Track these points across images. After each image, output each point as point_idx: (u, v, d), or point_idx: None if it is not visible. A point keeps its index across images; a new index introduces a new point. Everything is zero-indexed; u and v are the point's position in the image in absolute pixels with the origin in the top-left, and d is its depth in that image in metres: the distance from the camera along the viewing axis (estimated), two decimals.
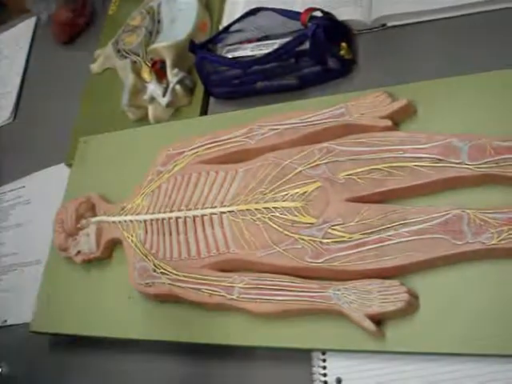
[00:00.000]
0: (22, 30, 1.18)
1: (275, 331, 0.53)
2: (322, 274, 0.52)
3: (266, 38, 0.73)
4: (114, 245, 0.68)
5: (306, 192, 0.56)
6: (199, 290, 0.57)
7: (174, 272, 0.59)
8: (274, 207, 0.57)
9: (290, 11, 0.69)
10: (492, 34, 0.62)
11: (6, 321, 0.80)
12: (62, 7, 1.02)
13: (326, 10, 0.67)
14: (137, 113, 0.82)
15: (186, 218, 0.62)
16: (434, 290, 0.48)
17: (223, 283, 0.56)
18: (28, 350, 0.75)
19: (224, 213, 0.59)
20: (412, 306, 0.47)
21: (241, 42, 0.75)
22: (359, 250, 0.50)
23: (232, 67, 0.73)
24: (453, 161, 0.50)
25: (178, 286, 0.58)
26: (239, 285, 0.55)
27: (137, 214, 0.66)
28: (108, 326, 0.64)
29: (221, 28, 0.79)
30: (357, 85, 0.66)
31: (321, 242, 0.52)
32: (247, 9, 0.74)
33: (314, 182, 0.56)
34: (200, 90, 0.79)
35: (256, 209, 0.58)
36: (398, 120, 0.56)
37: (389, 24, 0.69)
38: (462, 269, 0.48)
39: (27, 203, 0.91)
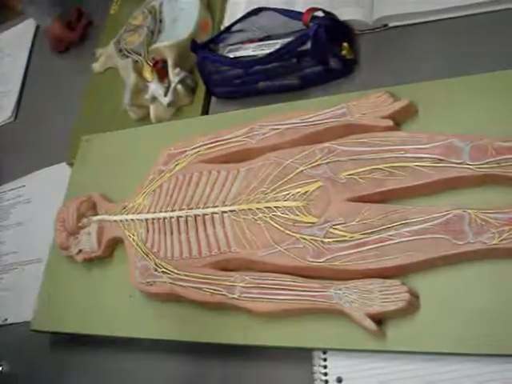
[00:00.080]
0: (24, 30, 1.18)
1: (276, 330, 0.53)
2: (323, 274, 0.52)
3: (268, 37, 0.73)
4: (116, 244, 0.69)
5: (307, 192, 0.56)
6: (200, 289, 0.57)
7: (176, 271, 0.60)
8: (275, 207, 0.57)
9: (292, 11, 0.69)
10: (493, 34, 0.62)
11: (6, 319, 0.80)
12: (57, 21, 1.02)
13: (327, 10, 0.67)
14: (138, 112, 0.82)
15: (187, 217, 0.62)
16: (435, 290, 0.48)
17: (224, 282, 0.56)
18: (28, 348, 0.75)
19: (225, 212, 0.59)
20: (413, 305, 0.48)
21: (242, 42, 0.75)
22: (360, 249, 0.50)
23: (233, 67, 0.73)
24: (454, 161, 0.50)
25: (180, 285, 0.58)
26: (240, 284, 0.55)
27: (138, 213, 0.66)
28: (109, 324, 0.64)
29: (222, 28, 0.79)
30: (358, 85, 0.67)
31: (322, 241, 0.52)
32: (249, 9, 0.74)
33: (316, 181, 0.56)
34: (201, 89, 0.79)
35: (257, 208, 0.58)
36: (399, 120, 0.56)
37: (390, 24, 0.69)
38: (462, 269, 0.48)
39: (28, 202, 0.91)
